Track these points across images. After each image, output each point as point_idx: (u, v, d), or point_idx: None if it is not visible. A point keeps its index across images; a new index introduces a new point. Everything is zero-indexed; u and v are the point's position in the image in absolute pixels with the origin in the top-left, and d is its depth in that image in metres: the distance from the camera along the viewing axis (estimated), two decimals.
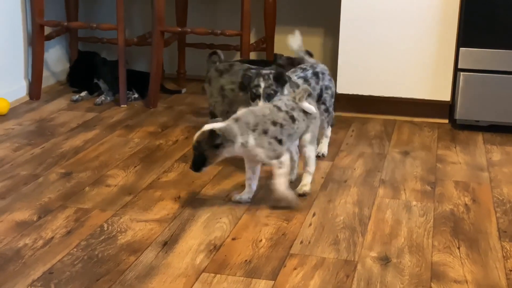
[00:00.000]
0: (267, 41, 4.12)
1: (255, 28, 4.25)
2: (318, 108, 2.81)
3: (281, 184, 2.53)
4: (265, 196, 2.66)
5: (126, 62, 3.86)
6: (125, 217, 2.47)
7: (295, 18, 4.30)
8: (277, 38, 4.19)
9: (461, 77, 3.52)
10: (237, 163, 2.86)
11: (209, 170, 2.87)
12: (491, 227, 2.48)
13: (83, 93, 3.99)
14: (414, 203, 2.67)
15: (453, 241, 2.36)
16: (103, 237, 2.32)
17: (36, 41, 3.89)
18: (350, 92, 3.72)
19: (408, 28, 3.58)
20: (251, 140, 2.46)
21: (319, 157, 3.07)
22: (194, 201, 2.63)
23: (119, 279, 2.06)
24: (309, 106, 2.61)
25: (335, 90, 3.16)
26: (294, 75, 2.99)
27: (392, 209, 2.61)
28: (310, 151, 2.67)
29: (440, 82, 3.63)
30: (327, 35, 4.28)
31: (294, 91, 2.79)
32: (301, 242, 2.32)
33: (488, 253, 2.28)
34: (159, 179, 2.84)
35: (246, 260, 2.19)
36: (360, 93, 3.72)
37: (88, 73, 4.04)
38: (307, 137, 2.64)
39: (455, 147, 3.33)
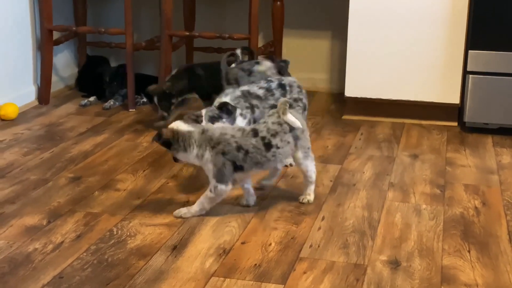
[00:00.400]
0: (275, 45, 4.12)
1: (263, 32, 4.25)
2: None
3: (199, 203, 2.50)
4: (273, 201, 2.66)
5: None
6: (135, 221, 2.47)
7: (303, 21, 4.30)
8: (285, 41, 4.19)
9: (470, 79, 3.51)
10: None
11: None
12: (501, 230, 2.47)
13: (92, 98, 4.00)
14: (423, 206, 2.66)
15: (463, 245, 2.35)
16: (112, 241, 2.32)
17: (45, 46, 3.90)
18: (359, 95, 3.72)
19: (417, 30, 3.58)
20: (207, 155, 2.46)
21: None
22: None
23: (128, 283, 2.06)
24: (293, 119, 2.49)
25: (307, 103, 2.95)
26: (256, 86, 2.90)
27: (402, 212, 2.60)
28: (307, 166, 2.60)
29: (449, 85, 3.62)
30: (335, 38, 4.28)
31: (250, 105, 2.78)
32: (311, 246, 2.32)
33: (499, 257, 2.27)
34: (168, 183, 2.84)
35: (255, 264, 2.18)
36: (368, 96, 3.71)
37: (96, 78, 4.05)
38: (299, 155, 2.57)
39: (465, 150, 3.32)
